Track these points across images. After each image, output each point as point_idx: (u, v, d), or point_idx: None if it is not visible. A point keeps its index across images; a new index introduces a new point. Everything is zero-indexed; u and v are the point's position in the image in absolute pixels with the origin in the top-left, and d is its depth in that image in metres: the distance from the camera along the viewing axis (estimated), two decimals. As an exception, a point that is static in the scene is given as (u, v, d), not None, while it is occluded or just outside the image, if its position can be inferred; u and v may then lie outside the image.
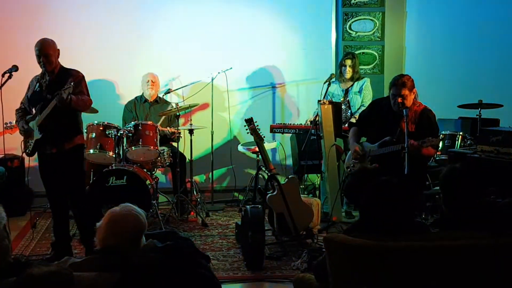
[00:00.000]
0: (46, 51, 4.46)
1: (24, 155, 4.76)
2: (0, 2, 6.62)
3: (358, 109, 6.07)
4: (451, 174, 2.86)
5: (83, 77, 4.60)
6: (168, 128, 6.01)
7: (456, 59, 7.09)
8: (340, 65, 6.27)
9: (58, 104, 4.34)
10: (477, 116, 5.93)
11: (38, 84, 4.57)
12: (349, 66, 6.14)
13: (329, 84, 6.03)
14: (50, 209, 4.81)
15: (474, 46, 7.07)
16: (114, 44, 6.71)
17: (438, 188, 5.10)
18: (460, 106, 6.10)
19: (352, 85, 6.19)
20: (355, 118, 5.84)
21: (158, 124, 5.79)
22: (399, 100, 4.70)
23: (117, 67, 6.72)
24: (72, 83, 4.36)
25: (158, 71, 6.44)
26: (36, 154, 4.66)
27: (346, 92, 6.20)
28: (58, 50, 4.56)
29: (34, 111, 4.59)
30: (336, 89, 6.18)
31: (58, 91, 4.30)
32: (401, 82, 4.73)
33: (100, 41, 6.65)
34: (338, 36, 7.09)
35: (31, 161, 6.32)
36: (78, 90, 4.47)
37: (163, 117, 5.99)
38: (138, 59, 6.74)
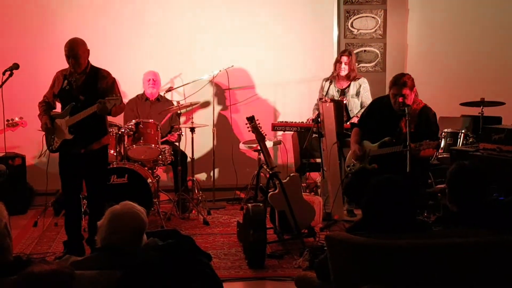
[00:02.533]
0: (75, 52, 4.41)
1: (41, 153, 4.72)
2: (2, 1, 6.61)
3: (360, 110, 6.03)
4: (459, 171, 2.86)
5: (115, 80, 4.60)
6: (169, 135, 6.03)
7: (458, 57, 7.08)
8: (335, 62, 6.16)
9: (99, 112, 4.34)
10: (480, 114, 5.92)
11: (67, 81, 4.52)
12: (345, 63, 6.06)
13: (330, 82, 6.01)
14: (65, 207, 4.79)
15: (476, 44, 7.06)
16: (115, 41, 6.70)
17: (440, 186, 5.12)
18: (462, 104, 6.09)
19: (348, 86, 6.13)
20: (357, 117, 5.82)
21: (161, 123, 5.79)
22: (400, 99, 4.70)
23: (118, 65, 6.68)
24: (119, 95, 4.37)
25: (159, 69, 6.43)
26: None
27: (342, 93, 6.14)
28: (88, 50, 4.52)
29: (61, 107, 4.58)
30: (331, 89, 6.13)
31: (102, 100, 4.27)
32: (402, 82, 4.73)
33: (101, 39, 6.63)
34: (339, 34, 7.07)
35: (32, 160, 6.36)
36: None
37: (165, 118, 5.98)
38: (139, 57, 6.73)
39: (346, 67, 6.05)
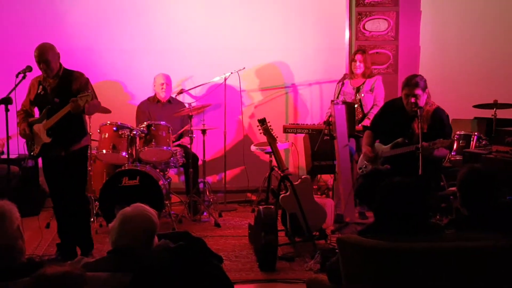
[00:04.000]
0: (45, 57, 4.46)
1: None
2: (8, 3, 6.65)
3: (371, 108, 6.03)
4: (469, 175, 2.84)
5: (88, 79, 4.63)
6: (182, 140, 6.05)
7: (471, 58, 7.03)
8: (350, 61, 6.18)
9: (73, 111, 4.36)
10: (493, 116, 5.88)
11: (41, 86, 4.57)
12: (360, 61, 6.06)
13: (342, 84, 6.00)
14: (54, 211, 4.81)
15: (489, 46, 7.00)
16: (127, 44, 6.73)
17: (453, 189, 5.08)
18: (475, 106, 6.05)
19: (363, 83, 6.14)
20: (369, 119, 5.81)
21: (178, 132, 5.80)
22: (412, 100, 4.69)
23: (130, 67, 6.74)
24: (90, 91, 4.38)
25: (170, 71, 6.44)
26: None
27: (358, 90, 6.14)
28: (58, 53, 4.56)
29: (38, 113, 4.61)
30: (347, 87, 6.13)
31: (74, 98, 4.31)
32: (414, 82, 4.72)
33: (112, 42, 6.67)
34: (351, 36, 7.05)
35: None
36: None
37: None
38: (150, 59, 6.75)
39: (362, 64, 6.07)
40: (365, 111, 6.05)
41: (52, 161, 4.61)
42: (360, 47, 6.68)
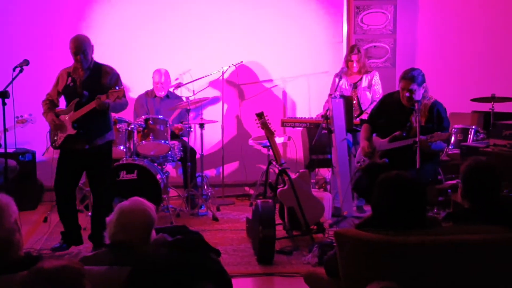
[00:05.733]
0: (84, 48, 4.47)
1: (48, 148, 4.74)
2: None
3: (370, 104, 6.02)
4: (475, 167, 2.84)
5: (119, 75, 4.63)
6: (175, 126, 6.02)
7: (469, 52, 7.03)
8: (346, 61, 6.12)
9: (98, 108, 4.38)
10: (490, 110, 5.88)
11: (71, 78, 4.56)
12: (356, 61, 6.03)
13: (340, 78, 5.99)
14: (57, 201, 4.74)
15: (487, 39, 7.00)
16: (124, 38, 6.71)
17: (450, 182, 5.09)
18: (473, 100, 6.05)
19: (360, 80, 6.12)
20: (367, 113, 5.80)
21: (170, 119, 5.79)
22: (407, 94, 4.70)
23: (128, 61, 6.71)
24: (122, 87, 4.39)
25: (168, 65, 6.43)
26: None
27: (355, 87, 6.13)
28: (93, 46, 4.57)
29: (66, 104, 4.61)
30: (344, 84, 6.12)
31: (99, 96, 4.33)
32: (409, 76, 4.73)
33: (110, 35, 6.64)
34: (349, 30, 7.04)
35: (41, 156, 6.38)
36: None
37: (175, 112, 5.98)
38: (148, 53, 6.73)
39: (358, 64, 6.04)
40: (363, 108, 6.03)
41: (74, 153, 4.59)
42: (357, 42, 6.66)
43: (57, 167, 4.68)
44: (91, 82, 4.52)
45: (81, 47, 4.46)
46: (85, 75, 4.53)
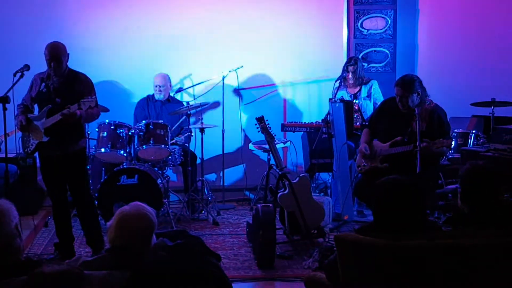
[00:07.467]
0: (58, 55, 4.41)
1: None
2: (10, 1, 6.64)
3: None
4: (473, 171, 2.84)
5: (93, 85, 4.59)
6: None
7: (469, 57, 7.03)
8: (343, 71, 6.13)
9: (64, 120, 4.32)
10: (490, 114, 5.88)
11: (44, 84, 4.52)
12: (352, 72, 6.05)
13: (340, 82, 6.00)
14: (52, 210, 4.77)
15: (487, 44, 7.01)
16: (125, 42, 6.71)
17: (451, 186, 5.09)
18: (473, 104, 6.06)
19: (359, 90, 6.13)
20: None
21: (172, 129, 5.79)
22: (398, 100, 4.74)
23: (129, 65, 6.73)
24: (95, 97, 4.34)
25: (169, 70, 6.44)
26: (36, 154, 4.67)
27: (355, 97, 6.13)
28: (68, 54, 4.52)
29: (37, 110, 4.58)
30: (344, 95, 6.11)
31: (69, 105, 4.26)
32: (402, 83, 4.78)
33: (111, 39, 6.65)
34: (349, 34, 7.05)
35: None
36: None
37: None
38: (149, 57, 6.73)
39: (352, 76, 6.05)
40: (365, 118, 6.03)
41: (49, 160, 4.58)
42: (357, 47, 6.67)
43: (42, 177, 4.69)
44: (64, 89, 4.46)
45: (55, 54, 4.39)
46: (59, 82, 4.48)
